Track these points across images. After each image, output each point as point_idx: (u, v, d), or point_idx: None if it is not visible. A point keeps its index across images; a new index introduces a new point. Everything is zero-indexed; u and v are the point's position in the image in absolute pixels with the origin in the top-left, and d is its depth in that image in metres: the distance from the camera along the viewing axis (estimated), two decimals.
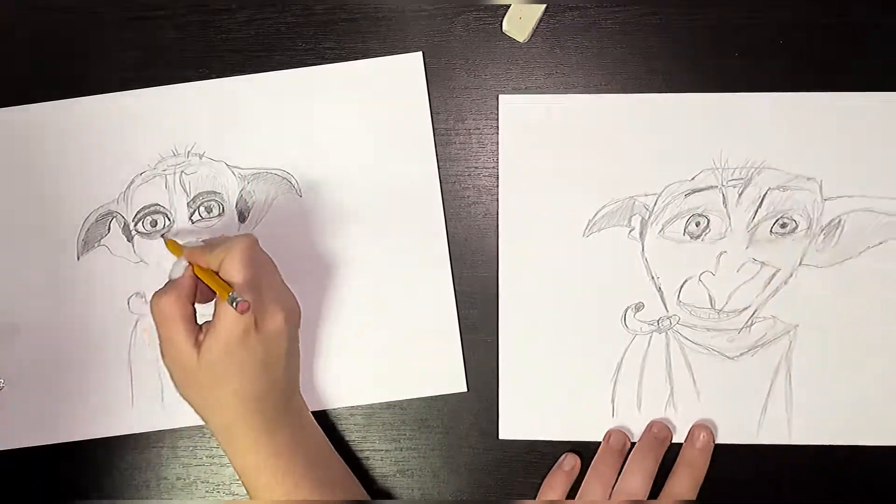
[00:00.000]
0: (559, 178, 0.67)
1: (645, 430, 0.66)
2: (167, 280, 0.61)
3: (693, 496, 0.63)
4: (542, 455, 0.66)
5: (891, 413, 0.65)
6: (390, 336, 0.67)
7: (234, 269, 0.59)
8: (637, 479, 0.63)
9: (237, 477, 0.62)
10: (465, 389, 0.67)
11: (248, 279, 0.58)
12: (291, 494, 0.60)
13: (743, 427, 0.66)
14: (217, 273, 0.60)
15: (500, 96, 0.68)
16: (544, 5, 0.68)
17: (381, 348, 0.67)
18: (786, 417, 0.66)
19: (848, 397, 0.65)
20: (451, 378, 0.67)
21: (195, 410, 0.61)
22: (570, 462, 0.65)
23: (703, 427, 0.65)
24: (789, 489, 0.66)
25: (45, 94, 0.68)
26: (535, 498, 0.66)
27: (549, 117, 0.67)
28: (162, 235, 0.67)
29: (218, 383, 0.59)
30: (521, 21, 0.68)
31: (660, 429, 0.65)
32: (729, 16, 0.68)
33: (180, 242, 0.63)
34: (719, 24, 0.68)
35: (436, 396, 0.67)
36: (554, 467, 0.66)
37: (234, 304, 0.56)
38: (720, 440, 0.66)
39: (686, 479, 0.64)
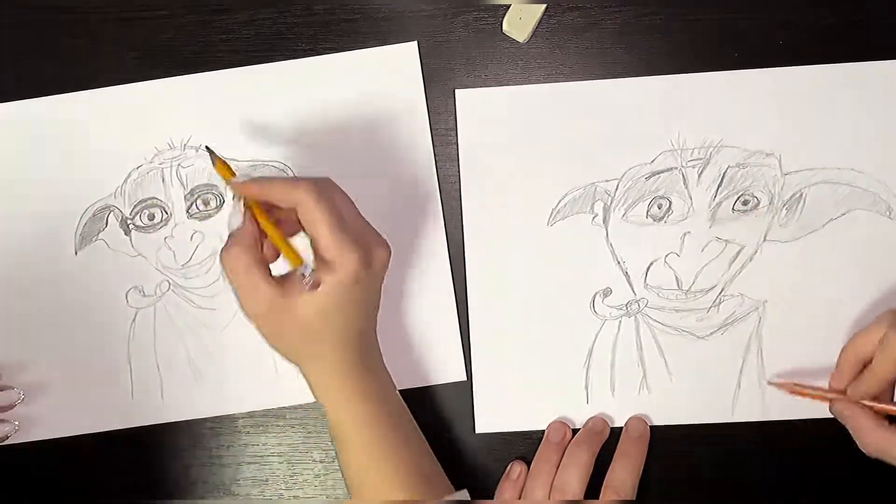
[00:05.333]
0: (520, 169, 0.68)
1: (583, 426, 0.66)
2: (227, 234, 0.58)
3: (633, 486, 0.63)
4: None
5: None
6: (389, 327, 0.67)
7: (318, 214, 0.54)
8: (572, 472, 0.63)
9: (238, 478, 0.65)
10: (465, 378, 0.67)
11: (335, 220, 0.55)
12: (375, 444, 0.59)
13: (717, 406, 0.66)
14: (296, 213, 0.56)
15: (457, 90, 0.68)
16: (544, 5, 0.69)
17: (380, 340, 0.66)
18: (759, 394, 0.65)
19: (819, 370, 0.65)
20: (450, 368, 0.67)
21: (284, 356, 0.59)
22: (516, 470, 0.66)
23: (639, 419, 0.66)
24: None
25: (45, 94, 0.69)
26: None
27: (506, 109, 0.68)
28: (208, 148, 0.62)
29: (317, 325, 0.56)
30: (521, 21, 0.68)
31: (595, 422, 0.66)
32: (729, 16, 0.68)
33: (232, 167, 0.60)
34: (719, 24, 0.68)
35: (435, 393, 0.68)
36: (502, 478, 0.66)
37: (306, 280, 0.54)
38: (695, 420, 0.66)
39: (624, 470, 0.64)
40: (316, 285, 0.55)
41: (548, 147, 0.68)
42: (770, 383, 0.65)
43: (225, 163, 0.60)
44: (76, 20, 0.70)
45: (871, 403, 0.60)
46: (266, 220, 0.57)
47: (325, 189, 0.56)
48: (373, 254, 0.57)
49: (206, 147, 0.61)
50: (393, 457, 0.59)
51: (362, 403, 0.59)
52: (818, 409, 0.64)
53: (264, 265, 0.57)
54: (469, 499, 0.62)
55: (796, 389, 0.63)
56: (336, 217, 0.55)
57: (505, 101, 0.68)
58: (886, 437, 0.58)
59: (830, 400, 0.62)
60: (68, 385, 0.67)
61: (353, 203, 0.59)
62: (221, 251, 0.57)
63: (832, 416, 0.64)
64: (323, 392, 0.59)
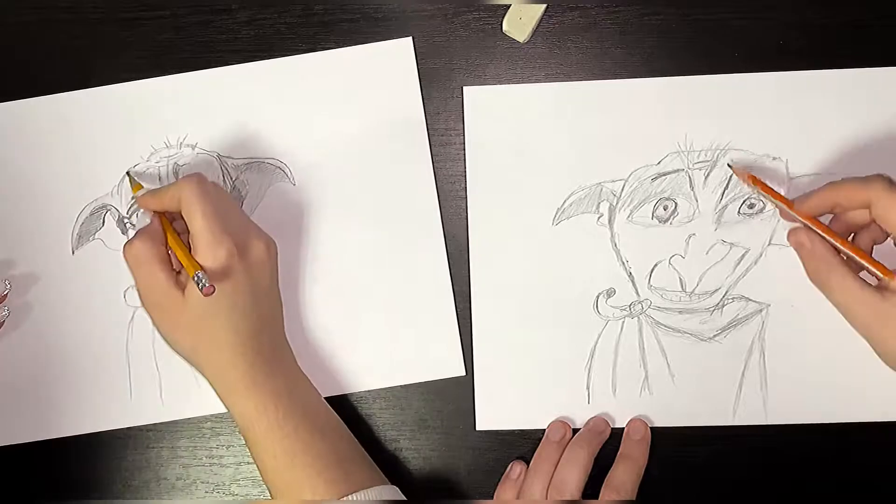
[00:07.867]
0: (526, 167, 0.67)
1: (584, 425, 0.66)
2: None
3: (633, 488, 0.63)
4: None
5: (865, 389, 0.65)
6: (386, 323, 0.67)
7: (194, 202, 0.59)
8: (570, 471, 0.63)
9: (238, 478, 0.64)
10: (464, 373, 0.67)
11: (210, 209, 0.59)
12: (291, 437, 0.59)
13: (719, 408, 0.66)
14: (180, 214, 0.60)
15: (465, 88, 0.68)
16: (544, 5, 0.68)
17: (378, 335, 0.67)
18: (761, 397, 0.65)
19: (822, 375, 0.65)
20: (449, 363, 0.67)
21: (186, 358, 0.61)
22: (516, 471, 0.66)
23: (640, 421, 0.65)
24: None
25: (44, 94, 0.68)
26: None
27: (513, 107, 0.68)
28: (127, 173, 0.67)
29: (208, 320, 0.59)
30: (521, 21, 0.68)
31: (596, 422, 0.66)
32: (729, 16, 0.68)
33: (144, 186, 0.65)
34: (719, 24, 0.68)
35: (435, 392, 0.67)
36: (502, 478, 0.66)
37: (200, 285, 0.56)
38: (696, 423, 0.66)
39: (625, 472, 0.64)
40: (211, 290, 0.57)
41: (554, 146, 0.67)
42: (729, 165, 0.65)
43: (134, 180, 0.66)
44: (76, 20, 0.69)
45: (823, 232, 0.61)
46: (170, 229, 0.62)
47: (203, 182, 0.60)
48: (249, 245, 0.60)
49: (126, 173, 0.67)
50: (307, 452, 0.59)
51: (269, 400, 0.59)
52: (820, 414, 0.65)
53: (165, 261, 0.60)
54: (401, 496, 0.62)
55: (756, 180, 0.63)
56: (211, 207, 0.59)
57: (512, 99, 0.68)
58: (832, 266, 0.60)
59: (784, 208, 0.62)
60: (67, 385, 0.67)
61: (230, 198, 0.63)
62: (125, 244, 0.60)
63: (833, 422, 0.65)
64: (226, 392, 0.60)
